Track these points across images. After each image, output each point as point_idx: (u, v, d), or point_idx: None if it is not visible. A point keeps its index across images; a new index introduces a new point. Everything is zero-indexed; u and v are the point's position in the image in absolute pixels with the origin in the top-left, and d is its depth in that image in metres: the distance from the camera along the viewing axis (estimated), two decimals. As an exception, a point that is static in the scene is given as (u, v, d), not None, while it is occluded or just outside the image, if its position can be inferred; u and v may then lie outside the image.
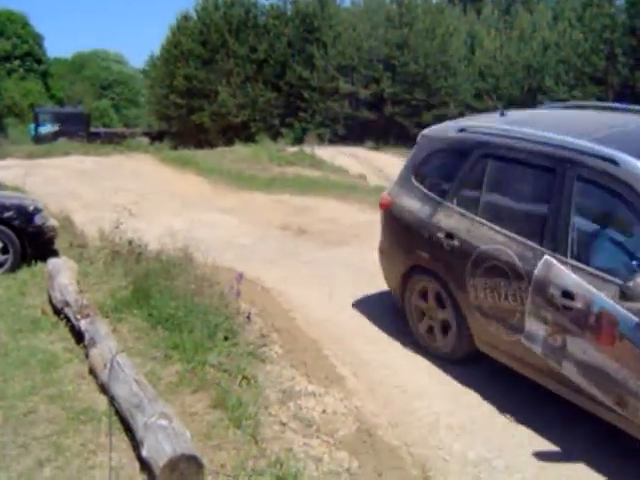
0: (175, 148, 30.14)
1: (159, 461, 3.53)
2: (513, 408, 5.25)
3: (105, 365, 4.89)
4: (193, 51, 35.75)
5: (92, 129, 37.66)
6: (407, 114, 29.79)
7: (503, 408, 5.26)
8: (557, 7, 27.82)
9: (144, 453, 3.74)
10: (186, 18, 37.73)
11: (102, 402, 4.81)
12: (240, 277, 6.73)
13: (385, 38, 30.63)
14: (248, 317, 6.65)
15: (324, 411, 5.15)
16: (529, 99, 26.03)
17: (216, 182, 18.24)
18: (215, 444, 4.17)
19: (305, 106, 33.17)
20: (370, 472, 4.38)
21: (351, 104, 31.74)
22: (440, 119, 26.92)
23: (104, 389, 4.82)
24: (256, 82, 34.16)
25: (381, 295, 7.77)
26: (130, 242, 8.51)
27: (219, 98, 34.26)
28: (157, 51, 40.70)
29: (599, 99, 23.09)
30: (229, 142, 30.49)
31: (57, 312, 6.62)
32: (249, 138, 30.28)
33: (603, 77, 22.73)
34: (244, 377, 5.29)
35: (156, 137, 35.27)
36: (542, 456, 4.62)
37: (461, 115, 28.85)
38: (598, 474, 4.42)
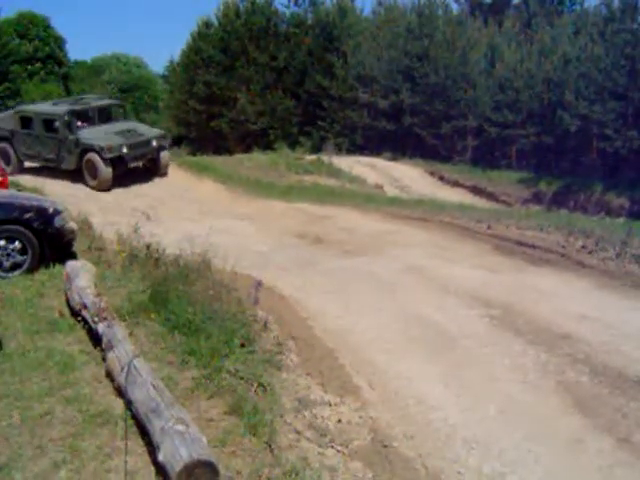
0: (193, 154, 30.20)
1: (175, 466, 3.52)
2: (530, 422, 5.23)
3: (122, 369, 4.89)
4: (213, 58, 35.81)
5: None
6: (426, 125, 29.67)
7: (520, 422, 5.24)
8: (578, 21, 27.70)
9: (160, 457, 3.73)
10: (207, 24, 37.81)
11: (118, 405, 4.82)
12: (259, 285, 6.75)
13: (405, 49, 30.55)
14: (265, 325, 6.66)
15: (339, 421, 5.15)
16: (549, 113, 25.93)
17: (234, 189, 18.33)
18: (230, 450, 4.17)
19: (324, 115, 33.12)
20: (384, 483, 4.37)
21: (369, 114, 31.65)
22: (459, 131, 26.96)
23: (120, 392, 4.83)
24: (275, 90, 34.16)
25: (398, 305, 7.78)
26: (148, 246, 8.56)
27: (238, 105, 34.28)
28: (177, 56, 40.86)
29: (619, 115, 23.01)
30: (247, 149, 30.54)
31: (75, 314, 6.65)
32: (267, 146, 30.28)
33: (624, 93, 22.61)
34: (260, 384, 5.28)
35: (174, 142, 35.32)
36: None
37: (480, 127, 28.90)
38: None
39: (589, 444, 4.94)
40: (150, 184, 18.66)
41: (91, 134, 17.29)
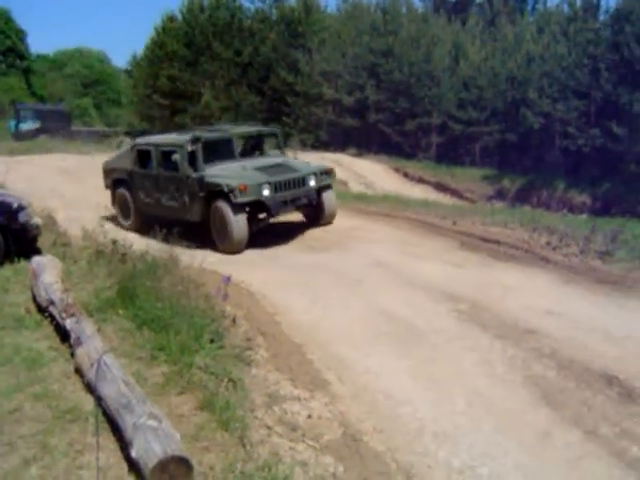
0: (157, 149, 29.96)
1: (149, 462, 3.52)
2: (498, 416, 5.30)
3: (92, 365, 4.87)
4: (177, 52, 35.61)
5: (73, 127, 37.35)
6: (390, 122, 29.81)
7: (488, 415, 5.31)
8: (541, 20, 27.94)
9: (133, 454, 3.73)
10: (171, 19, 37.58)
11: (88, 401, 4.79)
12: (228, 280, 6.74)
13: (370, 46, 30.67)
14: (234, 320, 6.65)
15: (309, 416, 5.17)
16: (512, 110, 26.19)
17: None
18: (203, 446, 4.17)
19: (288, 111, 33.14)
20: (355, 477, 4.40)
21: (334, 110, 31.73)
22: (423, 128, 27.09)
23: (90, 389, 4.80)
24: (240, 85, 34.10)
25: (365, 300, 7.82)
26: (114, 242, 8.49)
27: (202, 100, 34.16)
28: (141, 51, 40.62)
29: (582, 113, 23.33)
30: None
31: (41, 310, 6.59)
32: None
33: (586, 91, 22.92)
34: (230, 380, 5.29)
35: (138, 137, 35.02)
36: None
37: (444, 125, 29.09)
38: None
39: (557, 437, 5.02)
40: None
41: (221, 170, 12.26)
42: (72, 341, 5.52)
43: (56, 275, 7.01)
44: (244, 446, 4.29)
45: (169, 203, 13.01)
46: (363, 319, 7.26)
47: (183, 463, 3.55)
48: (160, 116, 36.69)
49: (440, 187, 25.15)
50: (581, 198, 22.29)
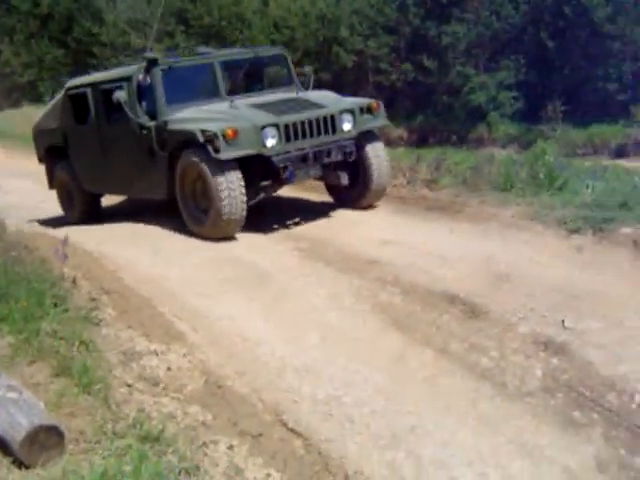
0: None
1: (16, 436, 3.33)
2: (353, 345, 5.45)
3: None
4: (-32, 6, 33.22)
5: None
6: (203, 67, 29.31)
7: (343, 346, 5.45)
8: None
9: (-4, 430, 3.52)
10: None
11: None
12: (65, 241, 6.44)
13: (176, -10, 29.91)
14: (74, 281, 6.39)
15: (169, 368, 5.08)
16: (325, 50, 26.46)
17: (10, 147, 17.24)
18: (68, 412, 3.99)
19: (96, 63, 31.76)
20: (225, 422, 4.39)
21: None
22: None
23: None
24: (41, 39, 32.27)
25: (207, 248, 7.75)
26: None
27: (2, 57, 32.10)
28: None
29: (393, 49, 23.92)
30: (16, 103, 28.80)
31: None
32: (38, 99, 28.61)
33: (395, 27, 23.51)
34: (82, 342, 5.08)
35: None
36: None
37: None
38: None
39: (411, 358, 5.23)
40: None
41: (196, 113, 8.18)
42: None
43: None
44: (109, 407, 4.17)
45: (120, 174, 9.09)
46: (209, 267, 7.19)
47: (53, 431, 3.40)
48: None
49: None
50: (397, 132, 23.00)
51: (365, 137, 8.53)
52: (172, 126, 8.04)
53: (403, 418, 4.45)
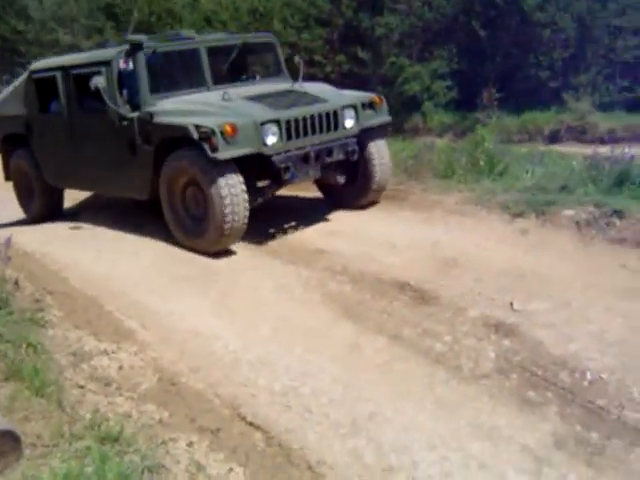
0: None
1: (-30, 442, 3.24)
2: (306, 336, 5.44)
3: None
4: None
5: None
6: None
7: (296, 337, 5.43)
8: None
9: (-53, 438, 3.40)
10: None
11: None
12: (9, 242, 6.26)
13: (103, -15, 29.41)
14: (16, 283, 6.22)
15: (121, 367, 4.99)
16: (258, 43, 26.24)
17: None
18: (21, 416, 3.87)
19: (23, 61, 30.98)
20: (183, 419, 4.33)
21: (74, 56, 30.19)
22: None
23: None
24: (-36, 38, 31.45)
25: (153, 246, 7.63)
26: None
27: None
28: None
29: (327, 41, 23.88)
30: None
31: None
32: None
33: (328, 19, 23.47)
34: (29, 345, 4.94)
35: None
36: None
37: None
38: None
39: (365, 346, 5.25)
40: None
41: (185, 104, 7.48)
42: None
43: None
44: (64, 409, 4.07)
45: (93, 170, 8.34)
46: (155, 264, 7.09)
47: (8, 437, 3.29)
48: None
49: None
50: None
51: (367, 134, 8.03)
52: (159, 119, 7.25)
53: (361, 405, 4.45)
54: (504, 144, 11.72)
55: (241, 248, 7.42)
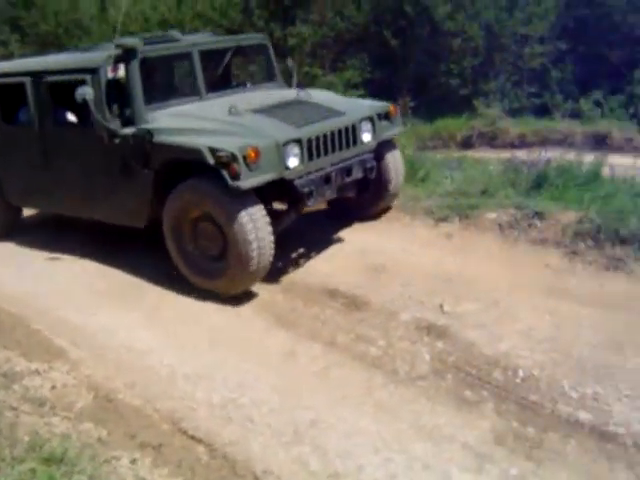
0: None
1: None
2: (241, 347, 5.43)
3: None
4: None
5: None
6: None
7: (231, 348, 5.41)
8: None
9: None
10: None
11: None
12: None
13: (7, -2, 28.67)
14: None
15: (54, 387, 4.88)
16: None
17: None
18: (-45, 443, 3.77)
19: None
20: (122, 436, 4.27)
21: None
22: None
23: None
24: None
25: (75, 263, 7.46)
26: None
27: None
28: None
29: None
30: None
31: None
32: None
33: (240, 30, 23.44)
34: (-45, 369, 4.81)
35: None
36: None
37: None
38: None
39: (300, 354, 5.28)
40: None
41: (186, 120, 6.46)
42: None
43: None
44: (1, 432, 3.96)
45: (70, 191, 7.36)
46: (80, 281, 6.92)
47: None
48: None
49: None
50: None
51: (383, 145, 7.31)
52: (160, 138, 6.17)
53: (302, 413, 4.47)
54: (420, 150, 11.94)
55: (167, 264, 7.32)
